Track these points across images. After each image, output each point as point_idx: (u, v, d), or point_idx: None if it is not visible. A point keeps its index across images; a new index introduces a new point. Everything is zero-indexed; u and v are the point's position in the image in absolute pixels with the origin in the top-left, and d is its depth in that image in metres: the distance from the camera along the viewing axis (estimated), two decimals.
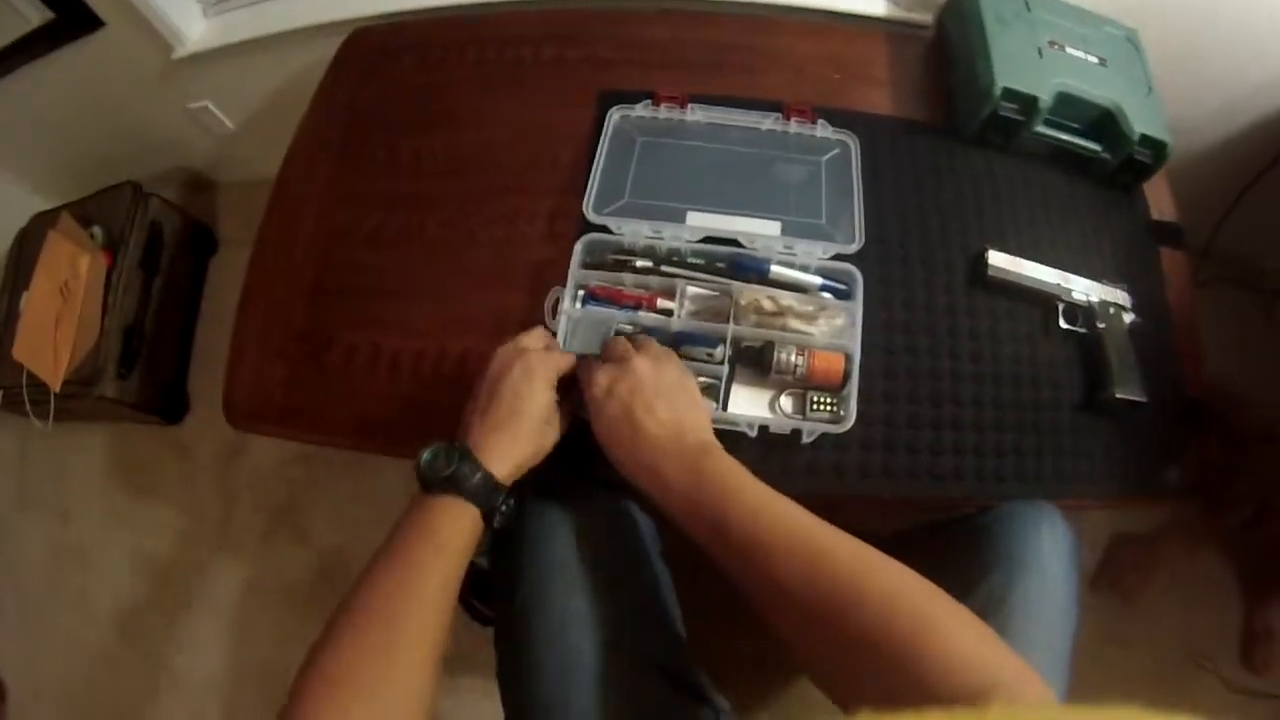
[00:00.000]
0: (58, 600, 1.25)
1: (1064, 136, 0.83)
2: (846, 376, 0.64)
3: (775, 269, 0.66)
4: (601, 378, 0.53)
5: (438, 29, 0.94)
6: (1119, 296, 0.76)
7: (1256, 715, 1.05)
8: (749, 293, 0.65)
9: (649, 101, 0.78)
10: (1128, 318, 0.75)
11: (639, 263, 0.66)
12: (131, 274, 1.20)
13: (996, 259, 0.73)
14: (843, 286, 0.68)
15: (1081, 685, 0.86)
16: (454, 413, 0.57)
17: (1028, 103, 0.78)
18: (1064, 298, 0.75)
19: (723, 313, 0.65)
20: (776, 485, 0.66)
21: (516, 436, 0.52)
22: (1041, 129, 0.81)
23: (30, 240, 1.25)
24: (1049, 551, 0.62)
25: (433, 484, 0.49)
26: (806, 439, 0.64)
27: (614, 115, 0.77)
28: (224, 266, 1.39)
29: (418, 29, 0.95)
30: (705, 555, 0.48)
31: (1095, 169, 0.85)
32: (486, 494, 0.50)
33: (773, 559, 0.44)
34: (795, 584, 0.43)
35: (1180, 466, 0.75)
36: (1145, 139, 0.80)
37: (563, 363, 0.56)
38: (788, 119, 0.78)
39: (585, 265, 0.67)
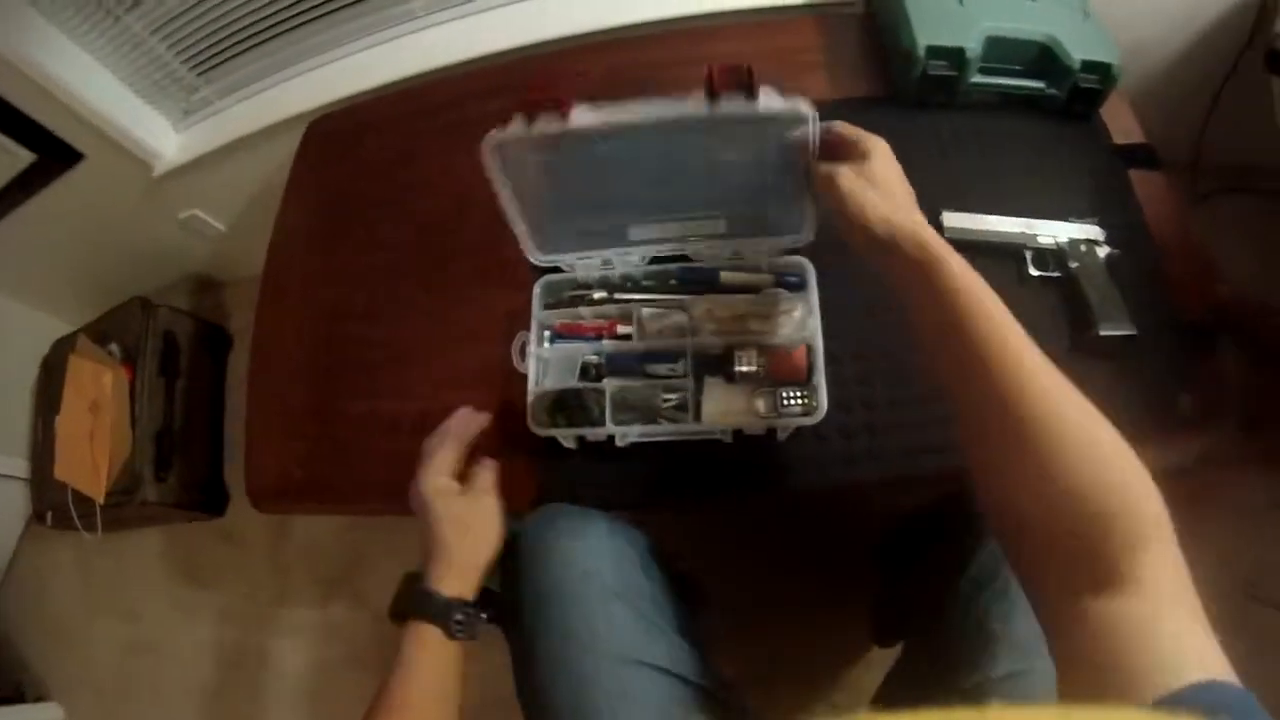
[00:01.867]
0: (135, 698, 1.33)
1: (1003, 81, 0.83)
2: (811, 367, 0.65)
3: (725, 275, 0.69)
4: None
5: (387, 105, 1.01)
6: (1091, 232, 0.76)
7: None
8: (703, 304, 0.68)
9: (520, 117, 0.61)
10: (1103, 251, 0.75)
11: (595, 294, 0.70)
12: (153, 382, 1.29)
13: (952, 220, 0.74)
14: (796, 279, 0.70)
15: None
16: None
17: (955, 56, 0.79)
18: (1030, 244, 0.75)
19: (681, 327, 0.68)
20: (761, 486, 0.69)
21: (447, 548, 0.59)
22: (978, 79, 0.82)
23: (54, 366, 1.36)
24: None
25: (400, 615, 0.58)
26: (782, 436, 0.66)
27: (489, 146, 0.62)
28: (242, 361, 1.47)
29: (369, 109, 1.01)
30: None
31: (1045, 105, 0.84)
32: (443, 613, 0.57)
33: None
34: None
35: (1193, 394, 0.73)
36: (1088, 64, 0.80)
37: (449, 456, 0.64)
38: (715, 92, 0.58)
39: (547, 306, 0.71)
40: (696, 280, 0.69)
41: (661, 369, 0.67)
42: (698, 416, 0.66)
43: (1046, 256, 0.75)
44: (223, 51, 1.08)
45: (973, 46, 0.79)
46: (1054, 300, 0.74)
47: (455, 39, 1.00)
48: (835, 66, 0.89)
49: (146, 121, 1.15)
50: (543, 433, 0.67)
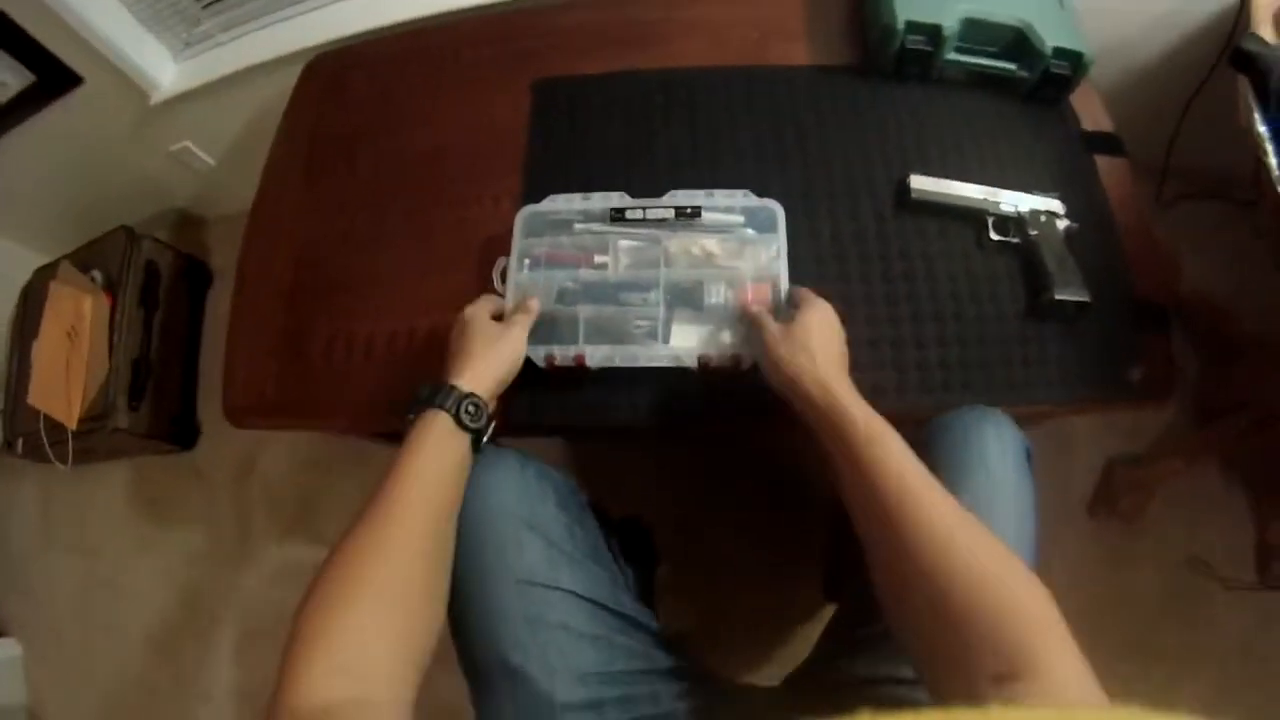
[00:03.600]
0: (92, 631, 1.36)
1: (978, 60, 0.89)
2: (777, 303, 0.71)
3: (705, 214, 0.75)
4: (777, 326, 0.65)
5: (384, 47, 1.06)
6: (1051, 205, 0.82)
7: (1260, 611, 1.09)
8: (678, 240, 0.74)
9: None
10: (1062, 224, 0.81)
11: (576, 226, 0.76)
12: (132, 311, 1.33)
13: (919, 182, 0.81)
14: (766, 219, 0.75)
15: (1090, 608, 0.92)
16: (432, 375, 0.67)
17: (933, 33, 0.85)
18: (992, 211, 0.81)
19: (655, 261, 0.73)
20: (724, 416, 0.75)
21: (471, 354, 0.64)
22: (953, 56, 0.88)
23: (34, 294, 1.39)
24: (995, 452, 0.65)
25: (413, 409, 0.60)
26: (745, 366, 0.71)
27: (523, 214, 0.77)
28: (220, 298, 1.51)
29: (367, 50, 1.06)
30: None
31: (1016, 88, 0.91)
32: (456, 401, 0.59)
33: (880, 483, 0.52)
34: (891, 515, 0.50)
35: (1141, 366, 0.79)
36: (1059, 51, 0.86)
37: (494, 304, 0.71)
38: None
39: (527, 235, 0.76)
40: (677, 210, 0.75)
41: (634, 298, 0.72)
42: (666, 341, 0.71)
43: (1007, 223, 0.81)
44: None
45: (950, 25, 0.86)
46: (1012, 264, 0.81)
47: None
48: (816, 35, 0.95)
49: (147, 49, 1.19)
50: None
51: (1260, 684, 1.06)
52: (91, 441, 1.31)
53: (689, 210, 0.74)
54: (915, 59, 0.88)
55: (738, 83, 0.91)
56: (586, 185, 0.79)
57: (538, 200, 0.78)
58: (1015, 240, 0.81)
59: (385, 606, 0.49)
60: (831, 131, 0.87)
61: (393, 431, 0.76)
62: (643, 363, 0.72)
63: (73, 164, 1.36)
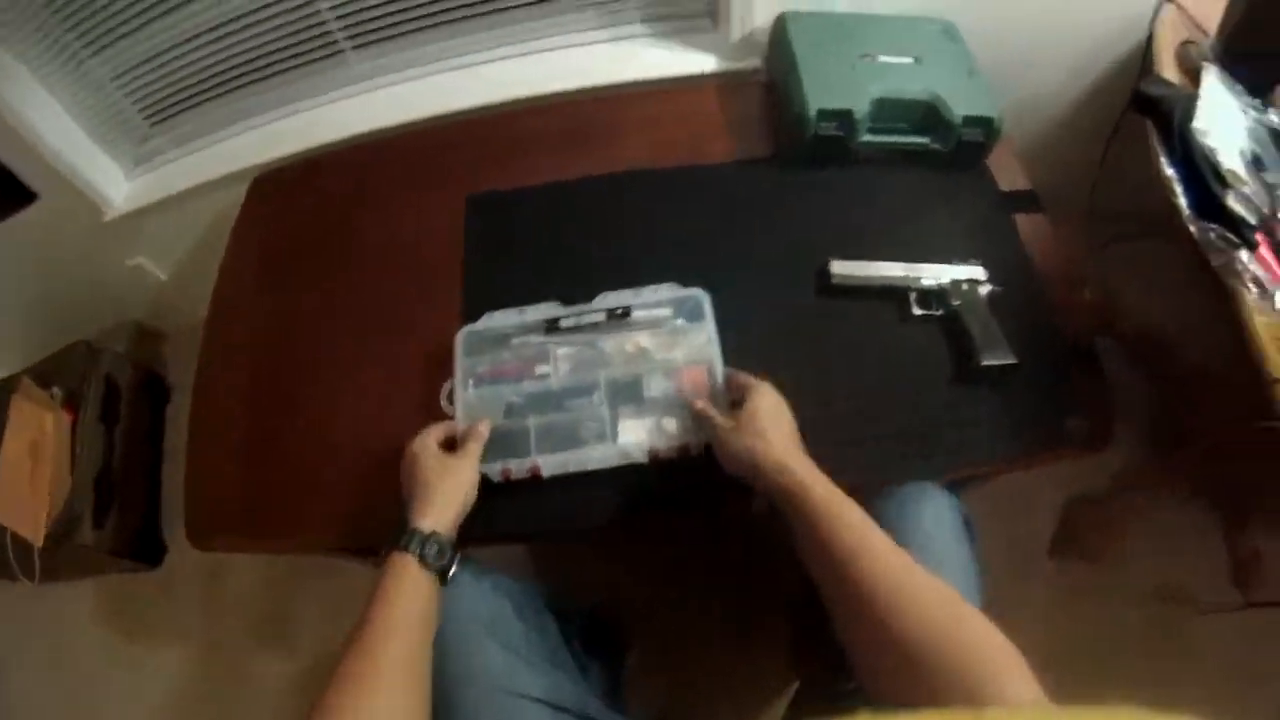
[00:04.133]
0: None
1: (891, 139, 0.95)
2: (714, 387, 0.75)
3: (635, 312, 0.78)
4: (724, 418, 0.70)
5: (328, 163, 1.11)
6: (973, 272, 0.87)
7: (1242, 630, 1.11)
8: (613, 340, 0.77)
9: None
10: (985, 289, 0.85)
11: (514, 340, 0.80)
12: (93, 427, 1.34)
13: (838, 267, 0.85)
14: (694, 309, 0.80)
15: (1064, 649, 0.93)
16: (388, 492, 0.73)
17: (845, 118, 0.91)
18: (914, 286, 0.86)
19: (594, 363, 0.77)
20: (680, 506, 0.77)
21: (428, 492, 0.67)
22: (868, 137, 0.94)
23: None
24: (931, 525, 0.69)
25: (383, 550, 0.64)
26: (694, 452, 0.74)
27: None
28: (180, 412, 1.52)
29: (311, 166, 1.11)
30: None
31: (932, 159, 0.96)
32: (419, 544, 0.63)
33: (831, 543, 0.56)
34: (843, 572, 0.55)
35: (1078, 416, 0.82)
36: (970, 119, 0.92)
37: (442, 431, 0.73)
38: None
39: (469, 354, 0.80)
40: (609, 311, 0.79)
41: (579, 402, 0.76)
42: (615, 439, 0.74)
43: (929, 297, 0.86)
44: (178, 103, 1.18)
45: (861, 108, 0.91)
46: (938, 336, 0.84)
47: (392, 103, 1.12)
48: (739, 129, 1.02)
49: (100, 166, 1.23)
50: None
51: (1257, 706, 1.07)
52: (57, 559, 1.30)
53: (619, 311, 0.78)
54: (830, 145, 0.93)
55: (663, 183, 0.96)
56: (523, 296, 0.83)
57: (478, 314, 0.82)
58: (939, 312, 0.85)
59: None
60: (755, 222, 0.92)
61: (359, 548, 0.78)
62: (595, 465, 0.75)
63: (29, 278, 1.38)
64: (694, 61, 1.08)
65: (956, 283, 0.86)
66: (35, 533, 1.29)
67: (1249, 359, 0.79)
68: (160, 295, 1.43)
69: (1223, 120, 0.93)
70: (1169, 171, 0.90)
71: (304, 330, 0.94)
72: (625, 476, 0.75)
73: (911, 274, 0.86)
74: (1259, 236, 0.84)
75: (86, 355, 1.36)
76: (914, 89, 0.94)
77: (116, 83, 1.14)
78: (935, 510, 0.70)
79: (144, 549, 1.39)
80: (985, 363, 0.80)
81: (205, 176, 1.17)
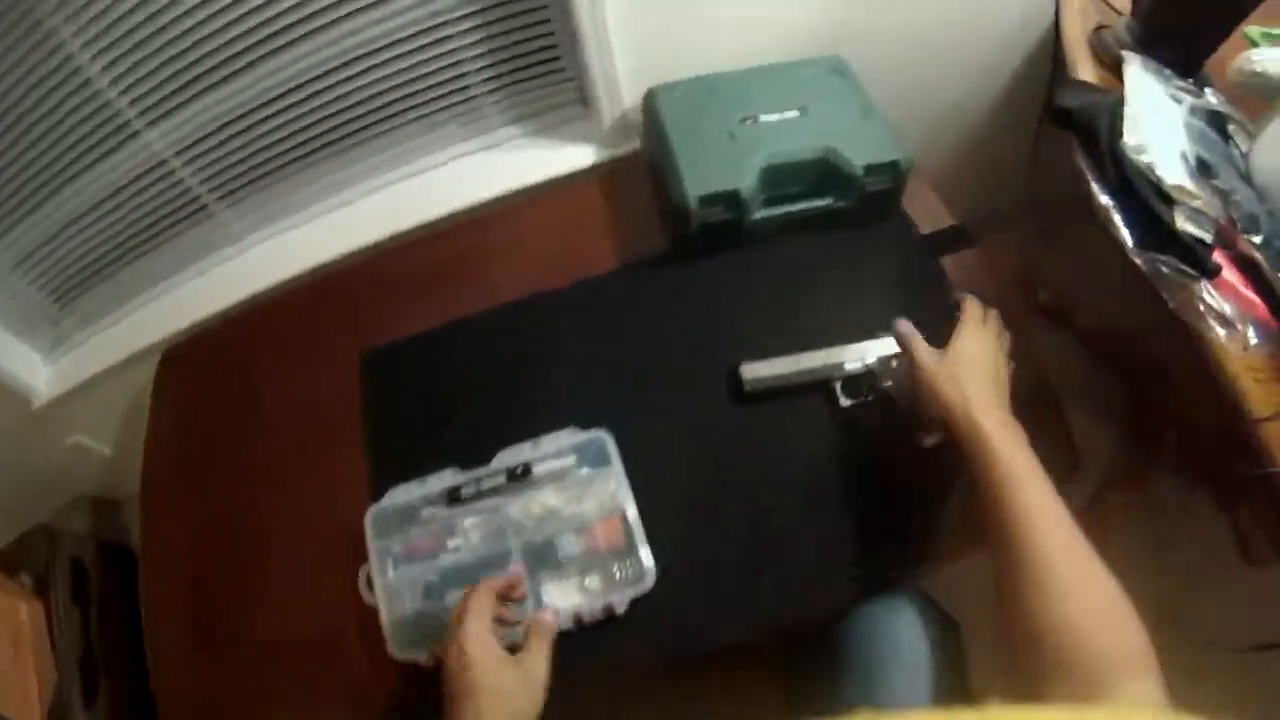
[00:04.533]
0: None
1: (787, 208, 0.87)
2: (630, 536, 0.71)
3: (536, 467, 0.75)
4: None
5: (232, 327, 1.08)
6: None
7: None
8: (518, 503, 0.74)
9: None
10: None
11: (423, 512, 0.76)
12: (68, 611, 1.33)
13: (750, 370, 0.78)
14: (598, 454, 0.76)
15: None
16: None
17: (730, 199, 0.83)
18: (838, 374, 0.78)
19: (503, 530, 0.74)
20: (611, 678, 0.73)
21: (479, 710, 0.54)
22: (762, 213, 0.86)
23: None
24: (908, 642, 0.67)
25: None
26: (620, 610, 0.71)
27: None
28: None
29: (216, 333, 1.09)
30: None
31: (838, 219, 0.88)
32: None
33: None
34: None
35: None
36: (872, 168, 0.84)
37: (483, 611, 0.59)
38: None
39: (380, 535, 0.76)
40: (509, 474, 0.76)
41: (498, 574, 0.72)
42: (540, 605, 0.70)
43: (858, 382, 0.78)
44: (80, 282, 1.16)
45: (748, 184, 0.83)
46: (875, 423, 0.77)
47: (275, 256, 1.10)
48: (624, 225, 0.96)
49: (20, 356, 1.22)
50: (403, 657, 0.71)
51: None
52: None
53: (519, 470, 0.75)
54: (720, 231, 0.86)
55: (547, 310, 0.90)
56: (423, 463, 0.79)
57: (385, 487, 0.79)
58: (869, 398, 0.78)
59: None
60: (652, 334, 0.85)
61: None
62: (521, 639, 0.71)
63: None
64: (570, 157, 1.03)
65: (884, 359, 0.78)
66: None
67: (1224, 400, 0.74)
68: (109, 467, 1.42)
69: (1156, 124, 0.84)
70: (1104, 200, 0.83)
71: (230, 514, 0.92)
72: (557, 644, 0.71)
73: (832, 361, 0.79)
74: (1218, 256, 0.77)
75: (47, 541, 1.35)
76: (803, 147, 0.86)
77: (18, 271, 1.13)
78: (911, 629, 0.68)
79: (139, 717, 1.39)
80: (928, 444, 0.72)
81: (119, 354, 1.16)
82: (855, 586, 0.72)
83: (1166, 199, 0.78)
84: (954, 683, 0.66)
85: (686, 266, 0.89)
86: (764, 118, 0.89)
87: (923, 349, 0.66)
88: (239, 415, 0.98)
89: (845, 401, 0.78)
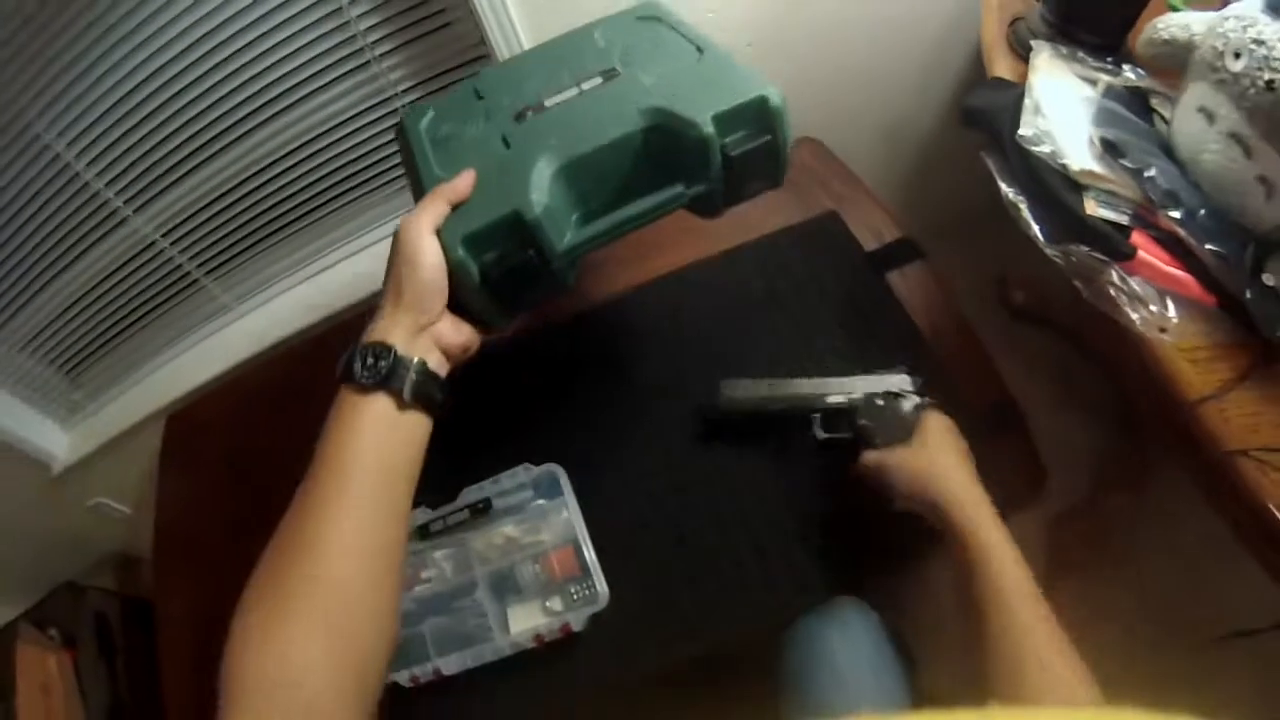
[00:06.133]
0: None
1: (619, 216, 0.59)
2: (584, 561, 0.80)
3: (496, 502, 0.85)
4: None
5: (230, 391, 1.20)
6: (858, 385, 0.77)
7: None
8: (482, 536, 0.83)
9: None
10: (909, 404, 0.74)
11: None
12: (94, 663, 1.45)
13: (729, 388, 0.79)
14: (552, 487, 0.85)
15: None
16: None
17: (512, 229, 0.56)
18: (818, 405, 0.77)
19: (469, 561, 0.83)
20: (582, 696, 0.80)
21: (418, 297, 0.53)
22: (577, 233, 0.59)
23: (4, 656, 1.51)
24: (841, 655, 0.69)
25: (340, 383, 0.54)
26: (577, 628, 0.79)
27: None
28: None
29: (215, 398, 1.21)
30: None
31: (710, 209, 0.64)
32: (390, 373, 0.52)
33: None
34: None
35: (1005, 474, 0.76)
36: (725, 117, 0.57)
37: (442, 198, 0.56)
38: None
39: None
40: (470, 515, 0.85)
41: (465, 602, 0.82)
42: (508, 631, 0.79)
43: (838, 418, 0.76)
44: (86, 356, 1.28)
45: (536, 199, 0.56)
46: (839, 457, 0.76)
47: (265, 322, 1.23)
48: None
49: (35, 426, 1.34)
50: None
51: None
52: None
53: (480, 505, 0.84)
54: (524, 275, 0.58)
55: (503, 359, 0.91)
56: None
57: None
58: (848, 435, 0.76)
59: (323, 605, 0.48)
60: (604, 371, 0.95)
61: None
62: (490, 658, 0.80)
63: (1, 534, 1.49)
64: None
65: (870, 397, 0.75)
66: None
67: (1158, 386, 0.73)
68: (130, 526, 1.53)
69: (1060, 111, 0.80)
70: (1012, 197, 0.81)
71: (233, 560, 1.01)
72: (521, 664, 0.79)
73: (815, 391, 0.78)
74: (1136, 236, 0.74)
75: (71, 597, 1.48)
76: (616, 120, 0.59)
77: (26, 351, 1.25)
78: (846, 638, 0.70)
79: None
80: (897, 509, 0.69)
81: (130, 419, 1.28)
82: (799, 600, 0.78)
83: (1075, 186, 0.76)
84: (896, 685, 0.68)
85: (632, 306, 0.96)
86: (551, 101, 0.65)
87: (892, 458, 0.68)
88: (239, 470, 1.09)
89: (821, 435, 0.77)
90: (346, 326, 1.16)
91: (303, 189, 1.13)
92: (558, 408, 0.93)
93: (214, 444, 1.15)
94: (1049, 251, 0.77)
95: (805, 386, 0.78)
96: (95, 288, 1.16)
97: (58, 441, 1.37)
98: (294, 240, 1.19)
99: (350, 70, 1.02)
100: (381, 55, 1.01)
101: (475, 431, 0.93)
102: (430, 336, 0.55)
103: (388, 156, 1.13)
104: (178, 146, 1.02)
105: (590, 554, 0.81)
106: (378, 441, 0.53)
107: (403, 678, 0.80)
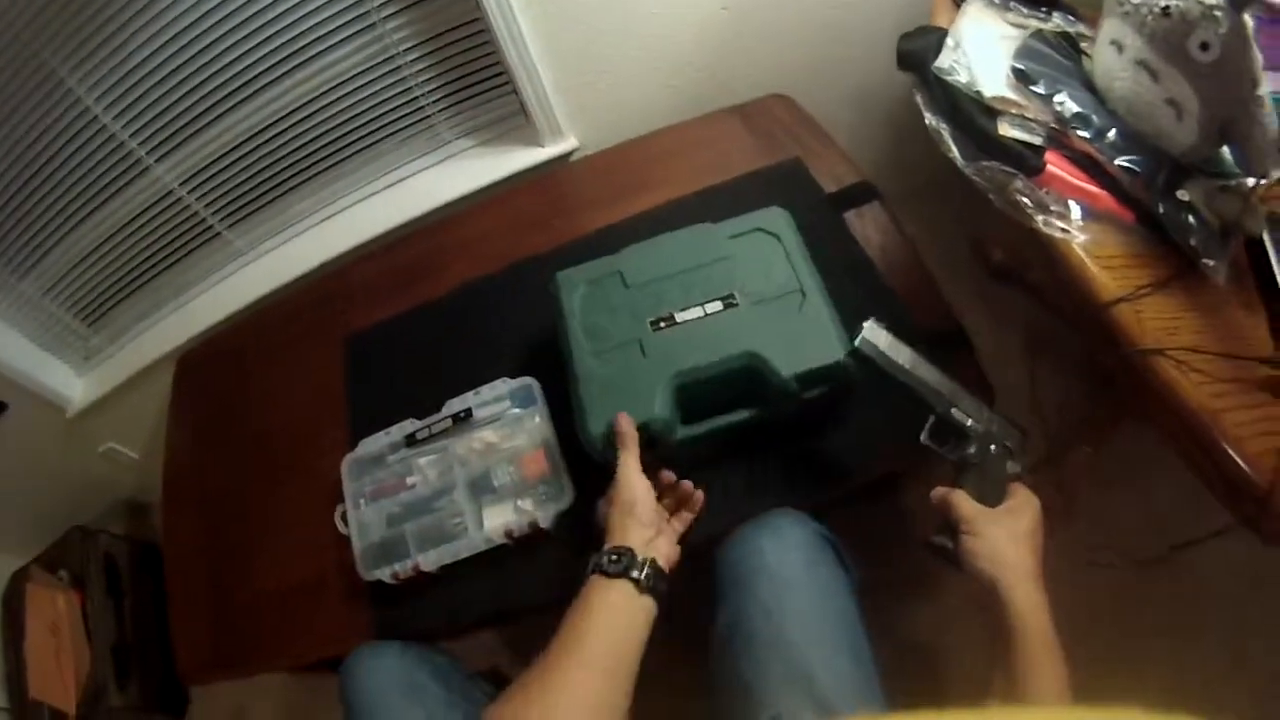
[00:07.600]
0: None
1: (711, 426, 0.83)
2: (554, 463, 0.89)
3: (476, 411, 0.94)
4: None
5: (236, 333, 1.32)
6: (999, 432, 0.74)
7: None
8: (462, 441, 0.93)
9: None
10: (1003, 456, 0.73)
11: (388, 458, 0.96)
12: (102, 602, 1.55)
13: (871, 333, 0.74)
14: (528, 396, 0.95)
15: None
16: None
17: (642, 431, 0.77)
18: (939, 407, 0.74)
19: (451, 464, 0.93)
20: (548, 589, 0.87)
21: (649, 516, 0.73)
22: (684, 432, 0.83)
23: (14, 597, 1.61)
24: (773, 557, 0.73)
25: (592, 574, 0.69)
26: (545, 524, 0.87)
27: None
28: None
29: (223, 339, 1.33)
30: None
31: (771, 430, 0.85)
32: (629, 566, 0.67)
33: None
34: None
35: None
36: (805, 377, 0.78)
37: (633, 444, 0.76)
38: None
39: (354, 478, 0.96)
40: (453, 424, 0.95)
41: (444, 502, 0.91)
42: (482, 527, 0.89)
43: (950, 430, 0.74)
44: (104, 302, 1.40)
45: (658, 415, 0.79)
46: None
47: (275, 266, 1.35)
48: (560, 219, 1.17)
49: (53, 371, 1.46)
50: (370, 577, 0.89)
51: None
52: None
53: (462, 414, 0.94)
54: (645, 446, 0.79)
55: (492, 289, 1.12)
56: (390, 418, 0.99)
57: (361, 438, 0.99)
58: (947, 449, 0.75)
59: None
60: None
61: (319, 662, 0.94)
62: (464, 553, 0.89)
63: (17, 477, 1.60)
64: (517, 159, 1.27)
65: (989, 425, 0.73)
66: (68, 703, 1.50)
67: (1075, 290, 0.76)
68: (140, 471, 1.64)
69: (980, 49, 0.87)
70: (931, 122, 0.87)
71: (235, 486, 1.13)
72: (496, 558, 0.89)
73: (945, 391, 0.74)
74: (1050, 155, 0.80)
75: (81, 540, 1.57)
76: (722, 357, 0.80)
77: (49, 296, 1.36)
78: (778, 541, 0.75)
79: (168, 702, 1.58)
80: (935, 542, 0.70)
81: (144, 362, 1.40)
82: (745, 506, 0.83)
83: (990, 112, 0.82)
84: (831, 583, 0.73)
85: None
86: (681, 317, 0.84)
87: (981, 520, 0.67)
88: (242, 406, 1.21)
89: (925, 438, 0.74)
90: (341, 274, 1.29)
91: (311, 142, 1.25)
92: (537, 328, 1.01)
93: (219, 377, 1.27)
94: (966, 170, 0.82)
95: (941, 384, 0.74)
96: (116, 234, 1.29)
97: (73, 385, 1.48)
98: (302, 190, 1.32)
99: (358, 31, 1.14)
100: (386, 18, 1.13)
101: (462, 353, 1.07)
102: (654, 549, 0.72)
103: (388, 113, 1.26)
104: (199, 100, 1.14)
105: (559, 457, 0.90)
106: (616, 614, 0.67)
107: (385, 574, 0.89)
